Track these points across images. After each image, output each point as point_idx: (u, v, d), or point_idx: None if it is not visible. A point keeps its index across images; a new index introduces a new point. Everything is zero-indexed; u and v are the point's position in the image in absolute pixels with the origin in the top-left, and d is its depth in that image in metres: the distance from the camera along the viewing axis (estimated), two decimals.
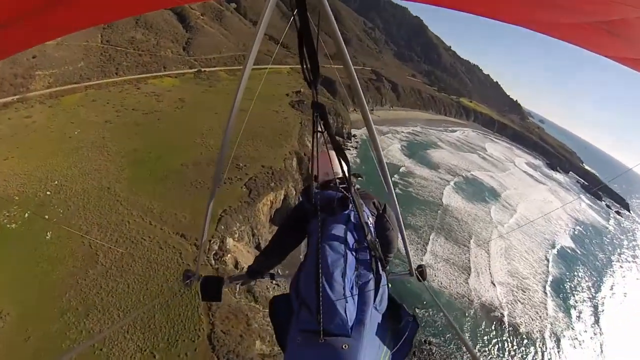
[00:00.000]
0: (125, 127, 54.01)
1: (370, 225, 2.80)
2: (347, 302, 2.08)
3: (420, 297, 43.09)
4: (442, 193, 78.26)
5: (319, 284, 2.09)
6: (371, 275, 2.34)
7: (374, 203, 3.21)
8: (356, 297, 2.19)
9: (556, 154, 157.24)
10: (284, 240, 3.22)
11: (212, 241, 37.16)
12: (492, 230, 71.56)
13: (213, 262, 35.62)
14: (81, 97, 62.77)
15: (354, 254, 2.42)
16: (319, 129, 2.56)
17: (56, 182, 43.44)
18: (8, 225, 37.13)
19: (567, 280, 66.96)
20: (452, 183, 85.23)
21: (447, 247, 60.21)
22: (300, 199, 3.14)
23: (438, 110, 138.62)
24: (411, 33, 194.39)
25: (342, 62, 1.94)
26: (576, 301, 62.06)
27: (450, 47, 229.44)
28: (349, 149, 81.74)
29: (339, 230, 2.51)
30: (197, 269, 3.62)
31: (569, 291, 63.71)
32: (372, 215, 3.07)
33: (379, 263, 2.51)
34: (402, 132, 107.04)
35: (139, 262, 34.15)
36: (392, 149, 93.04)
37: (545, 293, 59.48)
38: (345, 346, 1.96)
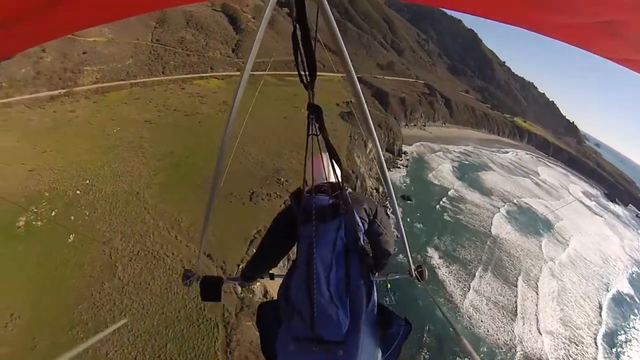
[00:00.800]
0: (164, 128, 52.23)
1: (362, 232, 2.65)
2: (339, 309, 2.07)
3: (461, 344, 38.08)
4: (492, 222, 71.31)
5: (312, 291, 2.05)
6: (362, 282, 2.31)
7: (365, 209, 2.86)
8: (348, 304, 2.15)
9: (614, 183, 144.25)
10: (273, 246, 2.99)
11: (241, 266, 33.73)
12: (542, 267, 64.25)
13: (239, 289, 32.12)
14: (126, 94, 62.10)
15: (345, 260, 2.33)
16: (314, 132, 2.35)
17: (87, 181, 42.00)
18: (34, 223, 35.79)
19: (621, 332, 58.74)
20: (503, 210, 77.89)
21: (495, 285, 54.14)
22: (289, 204, 2.85)
23: (491, 129, 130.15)
24: (465, 46, 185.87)
25: (342, 66, 1.88)
26: (630, 358, 54.14)
27: (505, 62, 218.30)
28: (399, 167, 76.71)
29: (329, 236, 2.40)
30: (197, 269, 3.65)
31: (622, 346, 55.79)
32: (364, 221, 2.79)
33: (370, 270, 2.51)
34: (454, 151, 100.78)
35: (158, 280, 31.44)
36: (443, 170, 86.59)
37: (596, 346, 52.25)
38: (340, 352, 1.98)
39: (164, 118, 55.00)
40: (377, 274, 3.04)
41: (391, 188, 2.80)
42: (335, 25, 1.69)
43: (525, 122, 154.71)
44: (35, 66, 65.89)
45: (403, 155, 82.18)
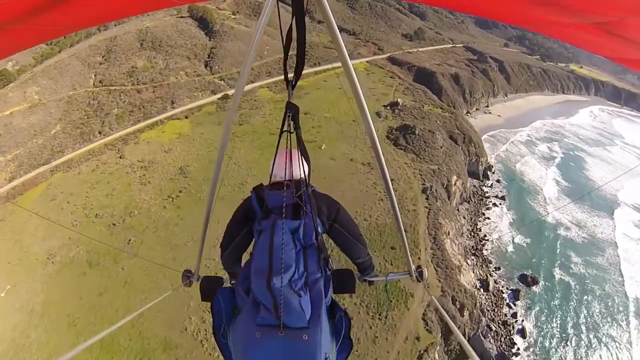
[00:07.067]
0: (69, 274, 27.08)
1: (320, 233, 2.48)
2: (301, 297, 2.02)
3: None
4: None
5: (270, 282, 1.99)
6: (320, 274, 2.25)
7: (324, 212, 2.68)
8: (308, 293, 2.11)
9: None
10: (234, 239, 2.79)
11: None
12: None
13: None
14: (41, 194, 36.56)
15: (303, 256, 2.24)
16: (288, 130, 2.25)
17: None
18: None
19: None
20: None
21: None
22: (250, 196, 2.68)
23: (555, 87, 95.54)
24: None
25: (338, 55, 1.71)
26: None
27: None
28: (497, 205, 45.45)
29: (290, 229, 2.24)
30: (197, 269, 3.59)
31: None
32: (323, 223, 2.67)
33: (326, 264, 2.46)
34: (533, 137, 68.22)
35: None
36: (543, 182, 53.42)
37: None
38: (305, 336, 1.95)
39: (76, 242, 29.11)
40: (373, 274, 3.17)
41: (391, 188, 2.60)
42: (329, 9, 1.53)
43: (581, 67, 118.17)
44: None
45: (490, 172, 51.40)
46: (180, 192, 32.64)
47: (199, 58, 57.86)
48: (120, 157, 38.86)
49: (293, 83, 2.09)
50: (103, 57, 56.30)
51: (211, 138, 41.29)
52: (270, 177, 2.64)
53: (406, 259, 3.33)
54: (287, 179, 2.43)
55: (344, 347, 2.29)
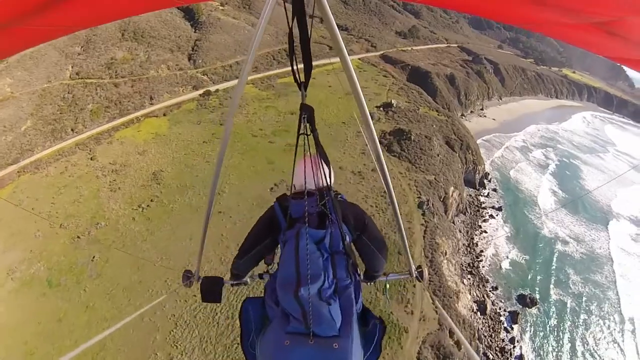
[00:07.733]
0: (28, 294, 24.03)
1: (347, 241, 2.38)
2: (331, 306, 1.99)
3: None
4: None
5: (298, 292, 1.95)
6: (349, 280, 2.21)
7: (351, 221, 2.55)
8: (338, 301, 2.06)
9: None
10: (255, 246, 2.72)
11: None
12: None
13: None
14: (8, 195, 32.50)
15: (331, 263, 2.17)
16: (305, 132, 2.16)
17: None
18: None
19: None
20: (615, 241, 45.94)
21: None
22: (273, 206, 2.62)
23: (548, 92, 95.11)
24: None
25: (339, 57, 1.64)
26: None
27: None
28: (493, 217, 43.48)
29: (315, 239, 2.20)
30: (197, 269, 3.44)
31: None
32: (350, 232, 2.51)
33: (355, 270, 2.36)
34: (528, 142, 67.42)
35: None
36: (539, 191, 52.39)
37: None
38: (336, 345, 1.91)
39: (34, 259, 25.98)
40: (376, 280, 3.03)
41: (391, 188, 2.52)
42: (330, 11, 1.48)
43: (574, 72, 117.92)
44: None
45: (486, 180, 49.57)
46: (151, 201, 29.75)
47: (182, 50, 54.46)
48: (91, 159, 35.59)
49: (305, 84, 2.02)
50: (82, 47, 52.32)
51: (189, 139, 38.41)
52: (292, 186, 2.54)
53: (407, 258, 3.26)
54: (310, 187, 2.31)
55: (373, 354, 2.21)
